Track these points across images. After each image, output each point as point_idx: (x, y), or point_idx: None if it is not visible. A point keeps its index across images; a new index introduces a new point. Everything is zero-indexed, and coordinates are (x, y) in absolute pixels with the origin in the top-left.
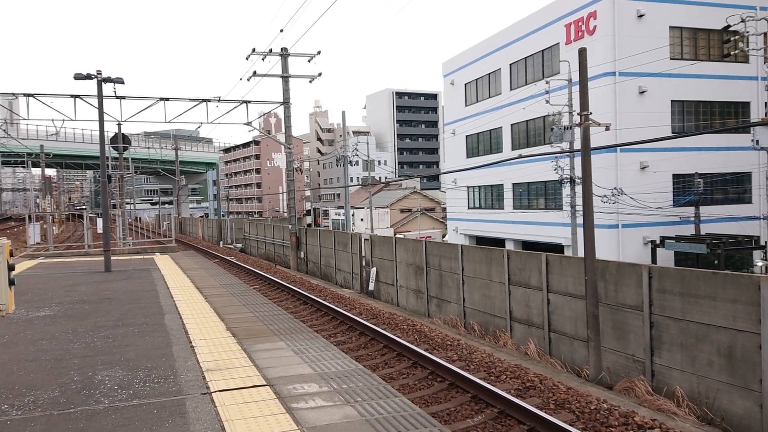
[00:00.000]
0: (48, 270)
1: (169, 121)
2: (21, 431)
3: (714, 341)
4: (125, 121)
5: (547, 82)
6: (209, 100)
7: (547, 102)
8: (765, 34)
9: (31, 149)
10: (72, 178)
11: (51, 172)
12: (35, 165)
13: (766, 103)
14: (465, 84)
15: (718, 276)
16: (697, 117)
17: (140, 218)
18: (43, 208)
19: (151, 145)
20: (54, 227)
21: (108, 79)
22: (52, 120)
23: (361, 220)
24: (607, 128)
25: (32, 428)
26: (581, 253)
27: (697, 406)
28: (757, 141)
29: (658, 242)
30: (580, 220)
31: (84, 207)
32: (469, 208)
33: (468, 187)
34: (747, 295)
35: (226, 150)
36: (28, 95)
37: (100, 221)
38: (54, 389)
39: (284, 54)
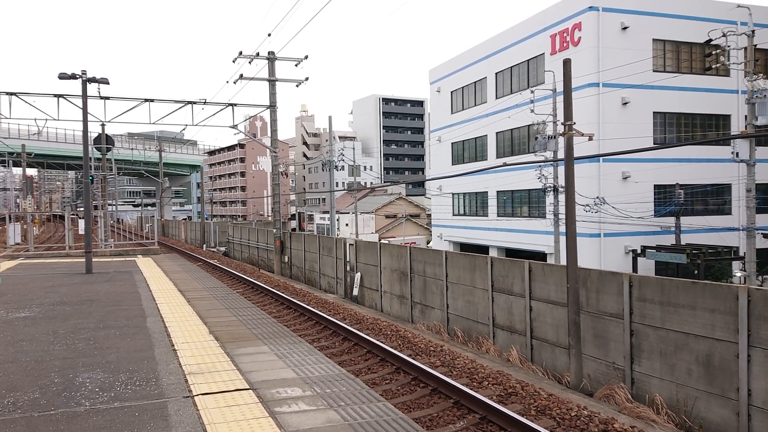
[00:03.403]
0: (28, 271)
1: (153, 123)
2: None
3: (693, 350)
4: (109, 121)
5: (532, 92)
6: (195, 103)
7: (532, 111)
8: (745, 48)
9: (12, 148)
10: (53, 178)
11: (32, 171)
12: (16, 164)
13: (746, 116)
14: (451, 92)
15: (697, 285)
16: (678, 129)
17: (122, 220)
18: (23, 209)
19: (134, 146)
20: (34, 228)
21: (93, 80)
22: (35, 119)
23: (346, 225)
24: (591, 138)
25: (12, 430)
26: (564, 261)
27: (676, 413)
28: (737, 153)
29: (639, 251)
30: (562, 228)
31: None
32: (453, 214)
33: (453, 194)
34: (725, 305)
35: (211, 152)
36: (11, 94)
37: (81, 222)
38: (34, 391)
39: (271, 58)
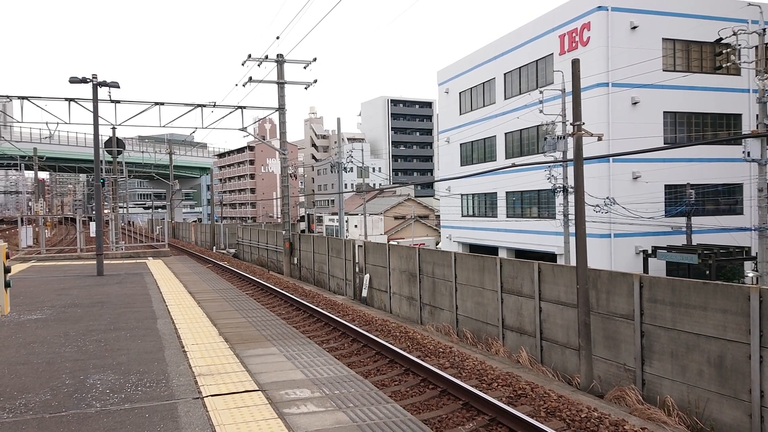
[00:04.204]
0: (40, 273)
1: (163, 126)
2: None
3: (704, 351)
4: (120, 125)
5: (541, 92)
6: (204, 105)
7: (541, 112)
8: (756, 47)
9: (24, 152)
10: (65, 181)
11: (44, 175)
12: (28, 168)
13: (757, 115)
14: (460, 93)
15: (709, 286)
16: (689, 128)
17: (133, 222)
18: (35, 211)
19: (145, 149)
20: (46, 230)
21: (103, 83)
22: (46, 123)
23: (355, 226)
24: (600, 138)
25: (24, 431)
26: (574, 262)
27: (687, 415)
28: (749, 153)
29: (649, 252)
30: (572, 229)
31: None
32: (462, 215)
33: (462, 195)
34: (737, 306)
35: (221, 155)
36: (23, 98)
37: (92, 225)
38: (46, 392)
39: (280, 60)
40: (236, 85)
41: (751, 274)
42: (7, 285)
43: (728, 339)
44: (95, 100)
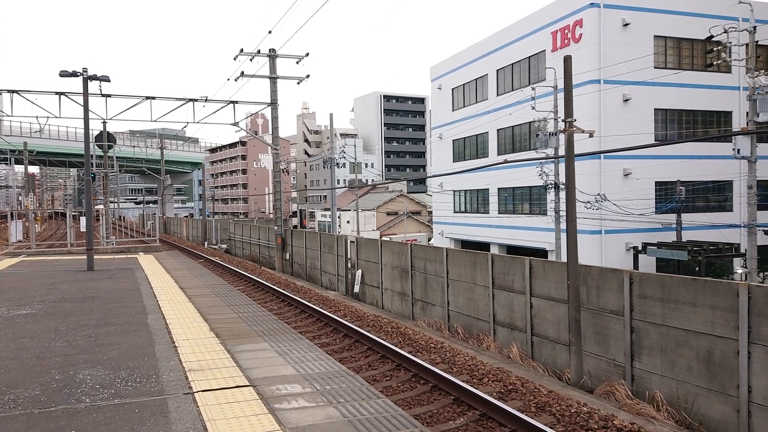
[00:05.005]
0: (30, 268)
1: (155, 120)
2: (1, 429)
3: (693, 347)
4: (111, 119)
5: (533, 89)
6: (196, 100)
7: (533, 108)
8: (747, 45)
9: (14, 146)
10: (55, 176)
11: (34, 169)
12: (18, 162)
13: (747, 113)
14: (452, 89)
15: (698, 282)
16: (680, 125)
17: (124, 217)
18: (25, 206)
19: (136, 143)
20: (36, 225)
21: (94, 77)
22: (36, 117)
23: (348, 222)
24: (591, 135)
25: (12, 426)
26: (564, 258)
27: (676, 410)
28: (738, 150)
29: (640, 248)
30: (563, 225)
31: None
32: (454, 211)
33: (454, 191)
34: (726, 302)
35: (213, 150)
36: (12, 91)
37: (83, 220)
38: (35, 387)
39: (272, 55)
40: (228, 79)
41: (740, 271)
42: None
43: (717, 335)
44: (85, 93)
